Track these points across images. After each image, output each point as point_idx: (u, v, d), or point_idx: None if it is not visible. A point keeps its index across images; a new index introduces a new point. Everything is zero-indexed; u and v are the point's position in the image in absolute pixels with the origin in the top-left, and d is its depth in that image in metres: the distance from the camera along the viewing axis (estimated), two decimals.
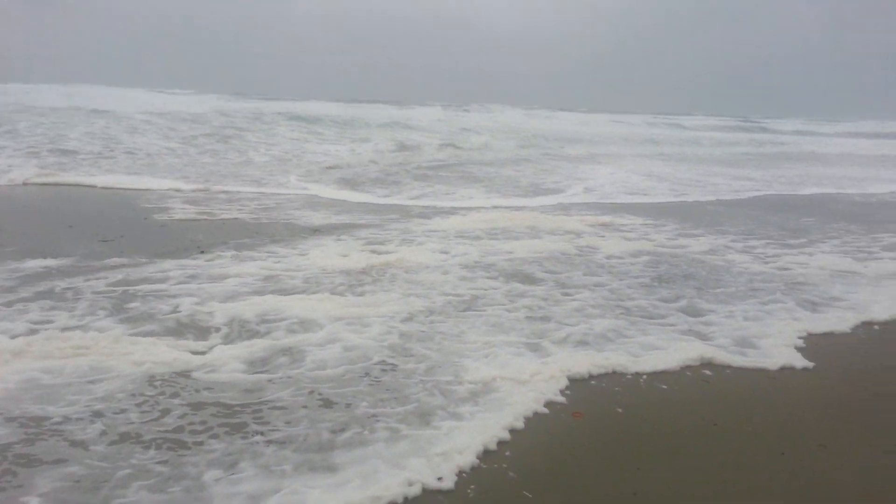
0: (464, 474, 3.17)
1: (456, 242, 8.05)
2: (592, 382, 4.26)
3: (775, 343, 4.93)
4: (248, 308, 5.28)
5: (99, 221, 8.57)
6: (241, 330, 4.86)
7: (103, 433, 3.36)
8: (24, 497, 2.82)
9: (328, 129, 24.05)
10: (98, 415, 3.55)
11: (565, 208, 11.17)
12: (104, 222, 8.51)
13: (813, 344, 5.01)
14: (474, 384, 4.14)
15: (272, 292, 5.73)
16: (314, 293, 5.79)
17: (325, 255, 7.13)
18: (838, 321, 5.48)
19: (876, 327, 5.47)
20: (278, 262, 6.77)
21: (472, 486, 3.08)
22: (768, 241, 8.85)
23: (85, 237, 7.49)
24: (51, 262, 6.29)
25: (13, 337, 4.44)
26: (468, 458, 3.28)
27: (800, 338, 5.08)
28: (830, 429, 3.72)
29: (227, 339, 4.67)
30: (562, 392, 4.08)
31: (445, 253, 7.46)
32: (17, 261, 6.28)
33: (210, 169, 14.14)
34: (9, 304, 5.09)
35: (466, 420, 3.69)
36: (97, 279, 5.84)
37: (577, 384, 4.22)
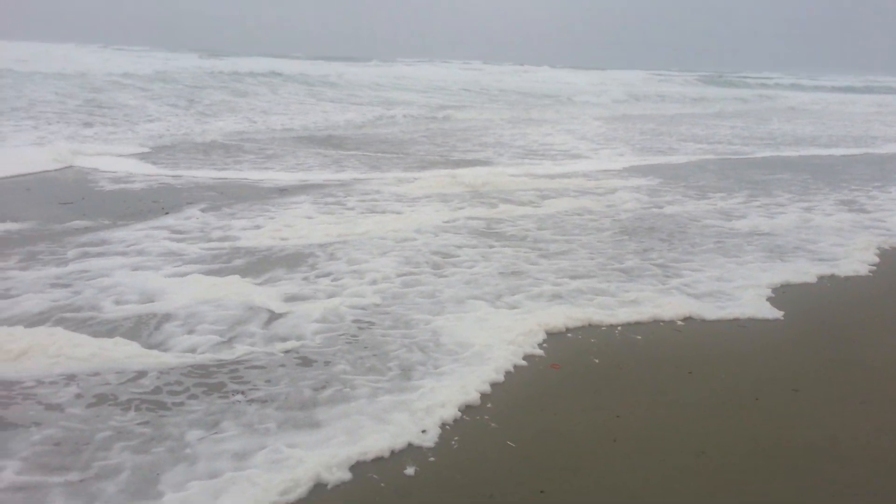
0: (447, 427, 3.20)
1: (428, 203, 8.01)
2: (569, 335, 4.31)
3: (745, 294, 5.05)
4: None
5: (52, 184, 8.30)
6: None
7: (78, 396, 3.30)
8: (2, 461, 2.76)
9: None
10: (71, 378, 3.48)
11: (548, 173, 11.16)
12: (58, 186, 8.25)
13: (781, 294, 5.14)
14: (453, 340, 4.16)
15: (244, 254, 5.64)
16: (277, 257, 5.72)
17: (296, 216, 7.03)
18: (805, 273, 5.62)
19: (840, 279, 5.62)
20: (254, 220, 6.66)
21: (456, 438, 3.11)
22: (739, 197, 8.98)
23: (46, 200, 7.26)
24: (12, 225, 6.10)
25: None
26: (451, 412, 3.31)
27: (769, 288, 5.21)
28: (802, 375, 3.84)
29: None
30: (539, 345, 4.13)
31: (415, 214, 7.42)
32: None
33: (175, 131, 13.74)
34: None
35: (447, 375, 3.70)
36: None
37: (553, 337, 4.27)
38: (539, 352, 4.05)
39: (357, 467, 2.85)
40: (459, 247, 6.12)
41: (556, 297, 4.91)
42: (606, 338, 4.28)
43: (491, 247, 6.17)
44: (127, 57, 35.48)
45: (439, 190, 8.73)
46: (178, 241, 5.96)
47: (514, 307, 4.70)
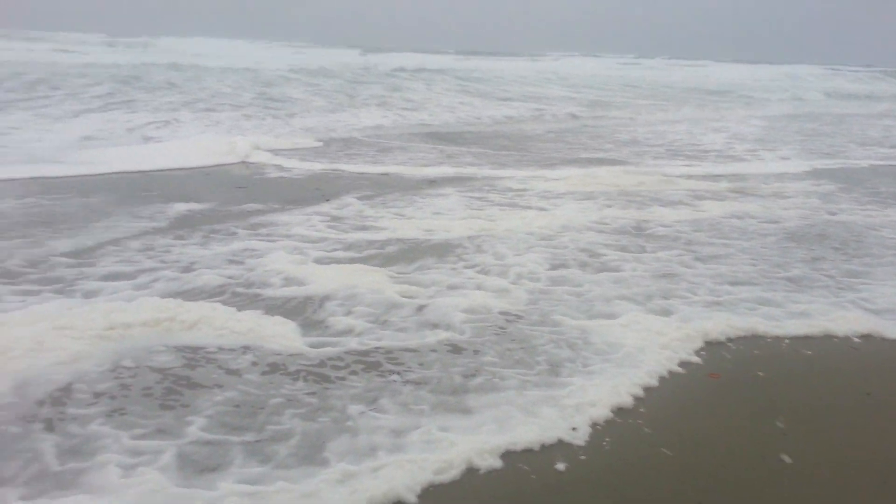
0: (598, 427, 3.15)
1: (572, 201, 7.90)
2: (730, 345, 4.09)
3: None
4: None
5: (228, 170, 9.02)
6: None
7: (254, 363, 3.58)
8: (189, 417, 3.06)
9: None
10: (247, 348, 3.78)
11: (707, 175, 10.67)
12: (233, 172, 8.96)
13: None
14: (602, 340, 4.08)
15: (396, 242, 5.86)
16: (427, 246, 5.88)
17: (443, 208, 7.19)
18: None
19: None
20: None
21: (607, 440, 3.05)
22: None
23: (222, 184, 7.94)
24: (195, 205, 6.73)
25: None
26: (602, 412, 3.25)
27: None
28: None
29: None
30: (696, 353, 3.95)
31: (560, 211, 7.34)
32: (164, 203, 6.76)
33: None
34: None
35: (597, 374, 3.64)
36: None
37: (712, 346, 4.07)
38: (696, 359, 3.88)
39: (507, 456, 2.88)
40: (607, 245, 5.99)
41: (715, 303, 4.68)
42: (772, 350, 4.02)
43: (641, 247, 5.98)
44: (291, 52, 38.02)
45: (585, 188, 8.56)
46: (336, 227, 6.29)
47: (667, 311, 4.53)
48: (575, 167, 10.17)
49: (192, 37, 45.40)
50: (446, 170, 9.52)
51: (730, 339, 4.14)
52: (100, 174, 8.21)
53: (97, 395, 3.23)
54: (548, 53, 55.83)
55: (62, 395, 3.20)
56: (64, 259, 5.06)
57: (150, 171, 8.54)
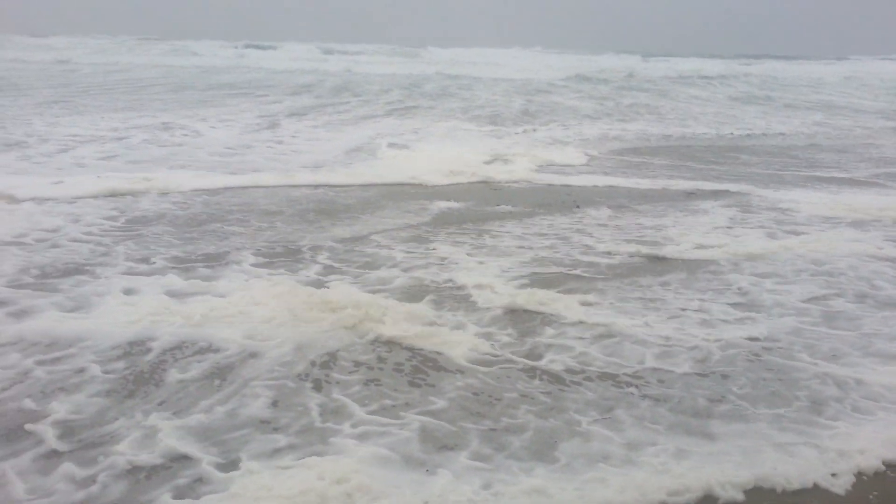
0: (864, 478, 2.79)
1: (850, 226, 6.96)
2: None
3: None
4: None
5: (487, 174, 9.45)
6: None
7: (491, 356, 3.75)
8: (432, 397, 3.30)
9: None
10: (485, 336, 3.96)
11: None
12: (491, 176, 9.37)
13: None
14: (879, 383, 3.58)
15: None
16: (677, 261, 5.59)
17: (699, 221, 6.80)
18: None
19: None
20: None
21: (875, 493, 2.69)
22: None
23: (480, 187, 8.40)
24: (454, 204, 7.22)
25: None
26: (871, 462, 2.88)
27: None
28: None
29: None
30: None
31: (834, 235, 6.51)
32: (428, 200, 7.35)
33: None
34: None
35: (869, 421, 3.23)
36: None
37: None
38: None
39: (753, 493, 2.68)
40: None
41: None
42: None
43: None
44: (564, 59, 38.72)
45: (868, 212, 7.42)
46: (583, 235, 6.27)
47: None
48: (855, 187, 8.94)
49: (471, 47, 47.95)
50: (705, 184, 8.97)
51: None
52: (374, 184, 9.05)
53: (357, 364, 3.62)
54: (851, 57, 49.08)
55: (329, 360, 3.64)
56: (337, 244, 5.69)
57: (421, 178, 9.10)
